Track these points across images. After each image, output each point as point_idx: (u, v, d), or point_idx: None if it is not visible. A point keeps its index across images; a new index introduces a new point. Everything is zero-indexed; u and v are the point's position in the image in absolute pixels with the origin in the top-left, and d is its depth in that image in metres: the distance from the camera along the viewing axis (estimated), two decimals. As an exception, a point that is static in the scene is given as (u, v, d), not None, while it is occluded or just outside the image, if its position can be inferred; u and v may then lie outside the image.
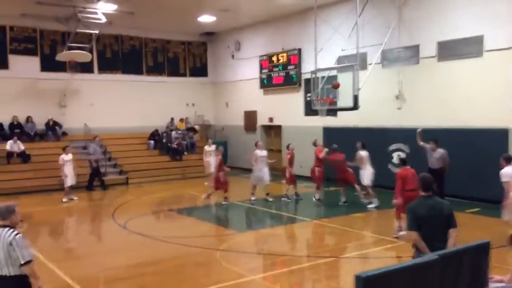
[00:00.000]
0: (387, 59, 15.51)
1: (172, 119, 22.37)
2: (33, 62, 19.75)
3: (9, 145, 17.75)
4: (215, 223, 11.66)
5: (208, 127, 23.94)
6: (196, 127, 23.12)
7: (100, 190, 17.22)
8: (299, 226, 11.12)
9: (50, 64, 19.68)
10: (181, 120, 22.65)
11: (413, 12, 14.79)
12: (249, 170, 22.08)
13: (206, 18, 19.83)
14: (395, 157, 15.04)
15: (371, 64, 15.10)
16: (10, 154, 17.65)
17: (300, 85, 19.08)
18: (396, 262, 7.56)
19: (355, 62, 13.97)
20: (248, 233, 10.95)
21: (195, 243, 9.57)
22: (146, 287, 7.31)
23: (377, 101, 15.57)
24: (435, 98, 14.30)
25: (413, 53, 14.86)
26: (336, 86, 13.91)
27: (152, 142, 21.25)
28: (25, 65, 19.45)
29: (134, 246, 9.64)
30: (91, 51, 19.58)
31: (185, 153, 21.11)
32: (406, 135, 14.80)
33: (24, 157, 17.92)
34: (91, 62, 20.20)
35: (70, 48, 18.73)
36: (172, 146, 20.89)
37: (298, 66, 19.07)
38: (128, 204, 14.82)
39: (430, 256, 4.29)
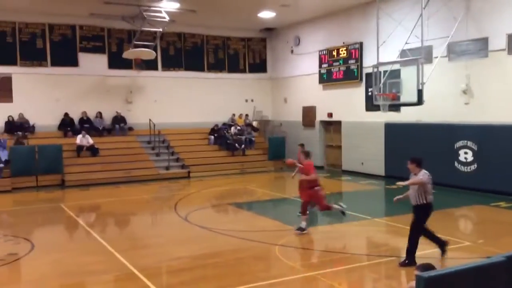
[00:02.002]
0: (454, 52, 14.87)
1: (233, 114, 22.72)
2: (101, 60, 20.69)
3: (78, 139, 18.76)
4: (274, 218, 11.73)
5: (266, 123, 24.07)
6: (255, 123, 23.30)
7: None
8: (359, 224, 10.94)
9: (117, 62, 20.54)
10: (240, 116, 22.93)
11: (482, 3, 14.08)
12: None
13: (266, 14, 19.90)
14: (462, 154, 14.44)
15: (436, 57, 14.56)
16: (79, 148, 18.64)
17: (361, 79, 18.72)
18: (460, 263, 7.28)
19: (420, 56, 13.53)
20: (307, 229, 10.92)
21: (254, 237, 9.68)
22: (207, 279, 7.48)
23: (443, 96, 15.00)
24: (505, 92, 13.57)
25: (481, 46, 14.14)
26: None
27: (212, 137, 21.66)
28: (93, 63, 20.42)
29: (195, 238, 9.90)
30: (155, 49, 20.22)
31: (243, 148, 21.33)
32: (473, 131, 14.18)
33: (93, 150, 18.85)
34: (155, 59, 20.89)
35: (136, 46, 19.44)
36: (231, 142, 21.19)
37: (359, 60, 18.71)
38: (189, 197, 15.22)
39: (496, 257, 4.11)
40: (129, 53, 19.49)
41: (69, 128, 19.56)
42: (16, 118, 18.92)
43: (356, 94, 18.92)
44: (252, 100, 23.74)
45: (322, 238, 10.08)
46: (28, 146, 17.66)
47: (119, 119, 20.69)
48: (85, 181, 17.40)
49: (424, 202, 7.65)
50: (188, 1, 17.45)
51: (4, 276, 7.90)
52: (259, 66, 24.28)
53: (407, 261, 7.58)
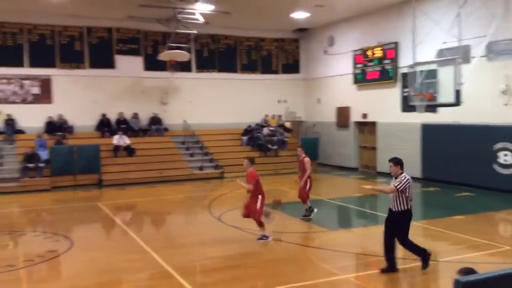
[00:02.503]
0: (492, 51, 14.43)
1: (266, 115, 22.76)
2: (137, 62, 21.10)
3: (115, 139, 19.19)
4: (307, 220, 11.67)
5: (299, 124, 23.98)
6: (288, 123, 23.25)
7: None
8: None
9: (152, 64, 20.90)
10: (273, 116, 22.93)
11: (523, 0, 13.62)
12: (341, 168, 21.77)
13: (300, 15, 19.84)
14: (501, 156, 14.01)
15: (474, 57, 14.16)
16: (116, 148, 19.05)
17: (396, 80, 18.42)
18: (499, 268, 7.06)
19: (457, 55, 13.19)
20: (341, 231, 10.83)
21: (287, 239, 9.66)
22: (240, 279, 7.51)
23: (481, 97, 14.59)
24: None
25: (523, 45, 13.68)
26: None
27: (245, 138, 21.75)
28: (129, 65, 20.84)
29: (228, 239, 9.95)
30: (189, 51, 20.47)
31: (276, 149, 21.31)
32: (514, 133, 13.73)
33: (129, 151, 19.24)
34: (190, 61, 21.14)
35: (170, 48, 19.72)
36: (263, 143, 21.21)
37: (394, 60, 18.42)
38: (222, 197, 15.32)
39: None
40: (164, 55, 19.79)
41: (106, 129, 20.04)
42: (55, 119, 19.51)
43: (392, 94, 18.61)
44: (285, 101, 23.72)
45: (357, 240, 9.97)
46: (67, 146, 18.18)
47: (155, 120, 21.06)
48: (122, 181, 17.78)
49: (404, 208, 7.21)
50: (222, 3, 17.58)
51: (44, 273, 8.16)
52: (292, 67, 24.23)
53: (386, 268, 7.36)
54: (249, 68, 23.28)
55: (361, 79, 20.25)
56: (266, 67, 23.62)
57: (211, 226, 11.36)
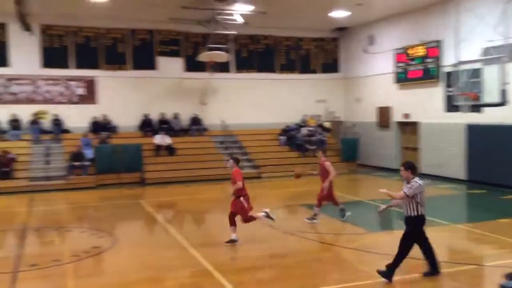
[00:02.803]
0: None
1: (304, 115, 22.69)
2: (178, 63, 21.48)
3: (157, 139, 19.61)
4: (346, 221, 11.57)
5: (338, 124, 23.76)
6: (327, 123, 23.09)
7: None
8: (437, 229, 10.49)
9: (192, 65, 21.22)
10: (312, 116, 22.82)
11: None
12: (382, 169, 21.43)
13: (339, 13, 19.66)
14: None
15: (522, 55, 13.64)
16: (158, 147, 19.47)
17: (439, 79, 17.96)
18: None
19: (503, 54, 12.76)
20: (381, 233, 10.68)
21: (325, 240, 9.62)
22: (280, 279, 7.54)
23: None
24: None
25: None
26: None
27: (283, 138, 21.74)
28: (170, 66, 21.24)
29: (267, 238, 10.00)
30: (228, 51, 20.65)
31: (314, 149, 21.17)
32: None
33: (170, 150, 19.62)
34: (229, 61, 21.33)
35: (210, 49, 19.96)
36: (301, 142, 21.15)
37: (437, 59, 17.97)
38: (260, 197, 15.38)
39: None
40: (204, 56, 20.05)
41: (148, 129, 20.50)
42: (100, 118, 20.11)
43: (435, 94, 18.17)
44: (324, 101, 23.54)
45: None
46: (111, 145, 18.72)
47: (196, 120, 21.39)
48: (163, 179, 18.14)
49: (416, 214, 7.01)
50: (261, 3, 17.65)
51: (89, 268, 8.44)
52: (331, 66, 24.04)
53: (384, 274, 7.11)
54: (288, 68, 23.26)
55: (402, 78, 19.87)
56: (305, 67, 23.53)
57: (250, 226, 11.39)
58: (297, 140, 21.36)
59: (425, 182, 7.19)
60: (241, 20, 18.64)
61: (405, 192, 6.93)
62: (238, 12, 18.38)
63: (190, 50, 21.59)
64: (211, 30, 19.61)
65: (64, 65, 19.92)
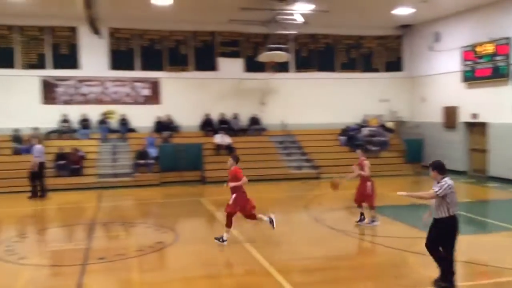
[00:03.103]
0: None
1: (366, 115, 22.24)
2: (238, 64, 21.73)
3: (217, 138, 19.96)
4: (408, 224, 11.23)
5: (402, 124, 23.07)
6: (389, 124, 22.49)
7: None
8: (507, 235, 9.98)
9: (252, 65, 21.39)
10: (374, 116, 22.31)
11: None
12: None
13: (402, 11, 19.12)
14: None
15: None
16: (218, 147, 19.81)
17: (509, 77, 17.01)
18: None
19: None
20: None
21: (386, 243, 9.38)
22: (338, 281, 7.44)
23: None
24: None
25: None
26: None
27: (343, 138, 21.43)
28: (231, 67, 21.54)
29: (326, 239, 9.90)
30: (288, 51, 20.64)
31: (376, 150, 20.71)
32: None
33: (230, 149, 19.87)
34: (288, 61, 21.32)
35: (270, 49, 20.04)
36: (362, 143, 20.73)
37: (507, 56, 17.02)
38: (320, 197, 15.26)
39: None
40: (264, 56, 20.17)
41: (209, 128, 20.91)
42: (164, 118, 20.75)
43: (505, 93, 17.23)
44: (386, 100, 22.93)
45: (464, 248, 9.36)
46: (174, 144, 19.27)
47: (255, 120, 21.56)
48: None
49: (447, 215, 6.57)
50: (321, 2, 17.50)
51: (152, 262, 8.73)
52: (394, 65, 23.40)
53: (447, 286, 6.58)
54: (349, 66, 22.90)
55: (470, 77, 18.99)
56: (367, 66, 23.06)
57: (308, 226, 11.38)
58: (357, 140, 20.97)
59: (453, 182, 6.76)
60: (301, 20, 18.57)
61: (435, 191, 6.56)
62: (299, 12, 18.32)
63: (250, 50, 21.78)
64: (271, 30, 19.69)
65: (130, 67, 20.72)
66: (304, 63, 22.43)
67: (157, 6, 17.54)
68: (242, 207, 9.52)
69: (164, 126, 20.50)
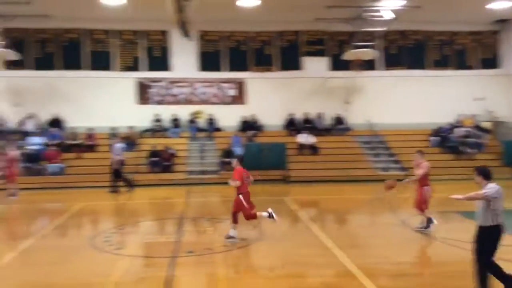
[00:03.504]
0: None
1: (459, 115, 21.06)
2: (322, 62, 21.58)
3: (301, 138, 19.95)
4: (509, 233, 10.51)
5: (500, 124, 21.55)
6: (485, 124, 21.12)
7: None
8: None
9: (337, 64, 21.15)
10: (469, 116, 21.05)
11: None
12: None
13: (498, 5, 17.89)
14: None
15: None
16: (302, 146, 19.80)
17: None
18: None
19: None
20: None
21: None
22: (427, 288, 7.14)
23: None
24: None
25: None
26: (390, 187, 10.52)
27: (434, 139, 20.49)
28: (316, 66, 21.46)
29: (413, 243, 9.54)
30: (375, 49, 20.11)
31: (470, 151, 19.56)
32: None
33: (313, 149, 19.81)
34: (375, 59, 20.78)
35: (356, 47, 19.66)
36: (455, 144, 19.67)
37: None
38: (409, 200, 14.66)
39: None
40: (349, 54, 19.83)
41: (293, 128, 20.96)
42: (248, 118, 21.14)
43: None
44: (481, 99, 21.55)
45: None
46: (258, 144, 19.56)
47: (339, 120, 21.27)
48: (306, 178, 18.40)
49: (491, 224, 6.13)
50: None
51: (237, 259, 8.93)
52: (490, 62, 21.99)
53: None
54: (441, 64, 21.86)
55: None
56: (460, 63, 21.89)
57: (395, 229, 11.01)
58: (450, 141, 19.95)
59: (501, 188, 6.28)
60: (390, 16, 18.02)
61: (484, 192, 6.19)
62: (388, 8, 17.80)
63: (336, 49, 21.53)
64: (357, 28, 19.31)
65: (218, 68, 21.36)
66: (393, 61, 21.75)
67: (244, 8, 17.90)
68: (239, 207, 9.77)
69: (249, 126, 20.88)
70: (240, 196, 9.79)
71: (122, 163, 16.62)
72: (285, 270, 8.01)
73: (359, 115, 21.25)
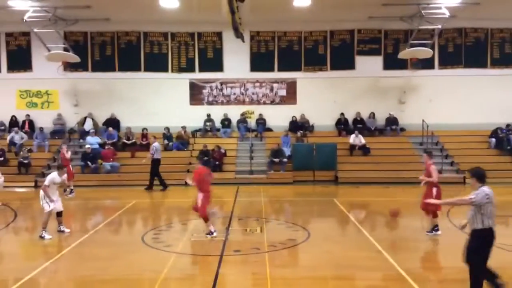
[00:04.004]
0: None
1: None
2: (377, 61, 21.14)
3: (352, 138, 19.65)
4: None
5: None
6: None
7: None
8: None
9: (392, 62, 20.66)
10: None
11: None
12: None
13: None
14: None
15: None
16: (352, 147, 19.48)
17: None
18: None
19: None
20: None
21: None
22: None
23: None
24: None
25: None
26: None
27: (493, 140, 19.61)
28: (369, 65, 21.04)
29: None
30: (432, 47, 19.49)
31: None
32: None
33: (364, 150, 19.44)
34: (432, 57, 20.12)
35: (412, 46, 19.11)
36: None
37: None
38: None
39: None
40: (405, 53, 19.31)
41: (344, 128, 20.67)
42: (298, 118, 21.05)
43: None
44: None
45: None
46: (307, 144, 19.44)
47: (391, 120, 20.76)
48: (356, 179, 18.09)
49: (481, 227, 6.07)
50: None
51: (284, 258, 8.90)
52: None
53: None
54: (502, 62, 20.88)
55: None
56: (523, 61, 20.75)
57: (450, 234, 10.59)
58: (511, 143, 18.97)
59: (492, 192, 6.14)
60: (448, 14, 17.39)
61: (471, 198, 6.09)
62: (446, 5, 17.19)
63: (390, 47, 21.05)
64: (414, 25, 18.77)
65: (269, 69, 21.41)
66: (450, 59, 21.01)
67: (297, 8, 17.84)
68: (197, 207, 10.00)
69: (299, 126, 20.78)
70: (200, 195, 9.87)
71: (158, 162, 17.04)
72: (332, 272, 7.92)
73: (414, 115, 20.65)
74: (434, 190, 10.20)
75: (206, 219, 10.03)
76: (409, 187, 17.04)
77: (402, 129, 20.72)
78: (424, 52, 18.95)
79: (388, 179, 17.86)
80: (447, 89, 20.67)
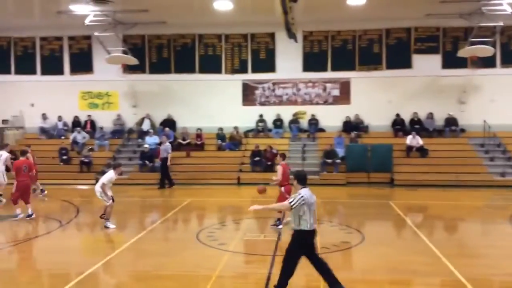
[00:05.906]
0: None
1: None
2: (435, 60, 20.47)
3: (408, 139, 19.12)
4: None
5: None
6: None
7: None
8: None
9: (451, 61, 19.93)
10: None
11: None
12: None
13: None
14: None
15: None
16: (409, 148, 18.94)
17: None
18: None
19: None
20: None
21: None
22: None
23: None
24: None
25: None
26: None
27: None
28: (426, 64, 20.41)
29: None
30: (494, 45, 18.63)
31: None
32: None
33: (422, 151, 18.86)
34: (494, 56, 19.22)
35: (472, 44, 18.36)
36: None
37: None
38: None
39: None
40: (465, 51, 18.59)
41: (400, 128, 20.15)
42: (352, 118, 20.72)
43: None
44: None
45: None
46: (362, 145, 19.10)
47: (450, 121, 20.02)
48: (413, 181, 17.56)
49: (298, 228, 6.36)
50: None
51: (337, 261, 8.76)
52: None
53: None
54: None
55: None
56: None
57: (510, 239, 10.10)
58: None
59: (311, 195, 6.45)
60: (510, 10, 16.56)
61: (289, 203, 6.35)
62: (507, 1, 16.37)
63: (449, 45, 20.32)
64: (474, 23, 18.01)
65: (322, 68, 21.22)
66: (512, 57, 19.97)
67: (351, 6, 17.58)
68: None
69: (353, 126, 20.46)
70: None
71: (167, 161, 17.61)
72: (387, 276, 7.73)
73: (474, 116, 19.82)
74: None
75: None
76: (468, 190, 16.41)
77: (462, 130, 19.93)
78: (484, 50, 18.14)
79: (446, 182, 17.23)
80: (509, 88, 19.67)
